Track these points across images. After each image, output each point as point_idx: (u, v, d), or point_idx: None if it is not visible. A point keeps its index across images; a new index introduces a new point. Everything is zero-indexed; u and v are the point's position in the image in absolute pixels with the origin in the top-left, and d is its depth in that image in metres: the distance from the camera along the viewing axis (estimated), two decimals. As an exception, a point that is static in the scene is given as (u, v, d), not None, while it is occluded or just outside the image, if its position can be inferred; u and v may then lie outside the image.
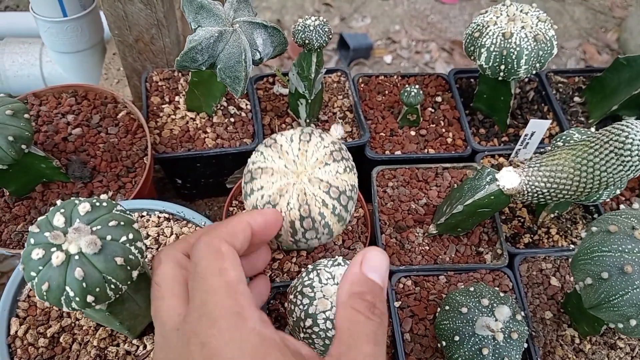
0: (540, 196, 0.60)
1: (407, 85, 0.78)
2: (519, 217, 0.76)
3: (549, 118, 0.87)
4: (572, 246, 0.74)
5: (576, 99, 0.90)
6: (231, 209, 0.74)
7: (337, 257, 0.54)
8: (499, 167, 0.81)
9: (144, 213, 0.66)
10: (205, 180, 0.85)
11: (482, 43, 0.73)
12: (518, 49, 0.70)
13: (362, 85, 0.88)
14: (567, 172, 0.58)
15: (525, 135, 0.78)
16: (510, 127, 0.86)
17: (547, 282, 0.71)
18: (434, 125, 0.83)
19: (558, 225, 0.76)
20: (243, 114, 0.81)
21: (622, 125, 0.55)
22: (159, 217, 0.66)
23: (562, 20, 2.95)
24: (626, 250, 0.50)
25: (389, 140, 0.81)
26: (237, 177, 0.86)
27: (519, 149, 0.80)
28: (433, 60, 2.75)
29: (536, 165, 0.60)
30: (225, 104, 0.82)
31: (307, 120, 0.79)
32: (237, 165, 0.82)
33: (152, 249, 0.63)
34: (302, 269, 0.53)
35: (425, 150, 0.81)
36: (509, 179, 0.59)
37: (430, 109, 0.85)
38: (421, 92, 0.78)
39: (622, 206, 0.77)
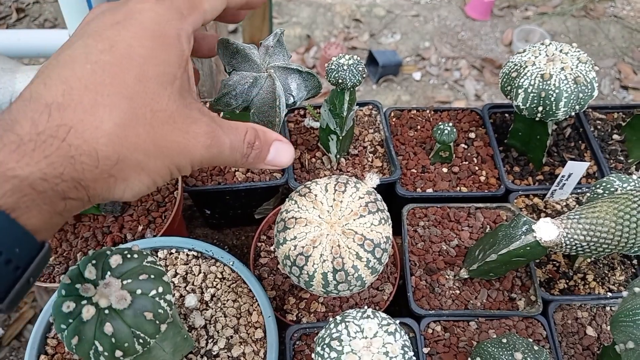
0: (580, 249, 0.58)
1: (440, 123, 0.77)
2: (554, 261, 0.74)
3: (586, 156, 0.85)
4: (609, 294, 0.71)
5: (615, 136, 0.88)
6: (259, 244, 0.74)
7: (366, 308, 0.53)
8: (533, 207, 0.79)
9: (173, 250, 0.66)
10: (234, 212, 0.85)
11: (520, 84, 0.71)
12: (557, 91, 0.69)
13: (394, 119, 0.87)
14: (608, 225, 0.56)
15: (562, 176, 0.76)
16: (546, 165, 0.83)
17: (583, 332, 0.68)
18: (466, 163, 0.81)
19: (595, 271, 0.73)
20: (273, 147, 0.81)
21: (669, 181, 0.53)
22: (187, 255, 0.66)
23: (597, 39, 2.89)
24: (671, 316, 0.48)
25: (420, 177, 0.80)
26: (266, 208, 0.85)
27: (555, 190, 0.78)
28: (463, 77, 2.73)
29: (575, 217, 0.58)
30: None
31: (338, 156, 0.78)
32: (266, 197, 0.82)
33: (179, 287, 0.63)
34: (330, 318, 0.52)
35: (458, 188, 0.79)
36: (547, 230, 0.58)
37: (463, 145, 0.83)
38: (455, 129, 0.76)
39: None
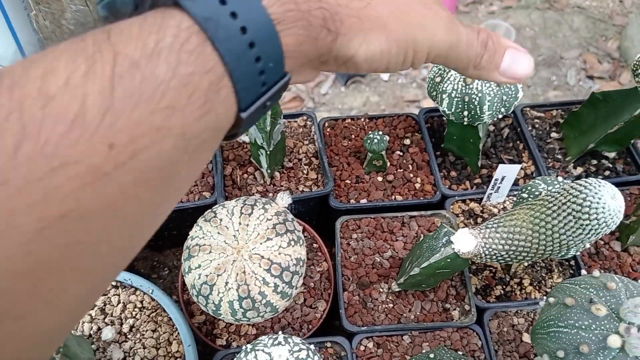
0: (500, 258, 0.57)
1: (370, 132, 0.76)
2: (491, 267, 0.73)
3: (524, 156, 0.84)
4: (544, 298, 0.70)
5: (553, 134, 0.87)
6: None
7: (279, 334, 0.51)
8: (470, 212, 0.78)
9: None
10: (169, 232, 0.83)
11: (444, 89, 0.70)
12: (480, 94, 0.67)
13: (328, 129, 0.85)
14: (525, 234, 0.55)
15: (496, 179, 0.75)
16: (484, 168, 0.82)
17: (519, 339, 0.67)
18: (401, 170, 0.80)
19: (532, 275, 0.72)
20: (203, 165, 0.79)
21: (581, 185, 0.51)
22: (107, 285, 0.63)
23: (561, 30, 2.91)
24: (583, 327, 0.47)
25: (355, 187, 0.78)
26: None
27: (491, 193, 0.77)
28: (430, 74, 2.72)
29: (494, 226, 0.57)
30: (185, 154, 0.79)
31: (269, 170, 0.77)
32: (198, 217, 0.80)
33: (97, 319, 0.61)
34: (243, 347, 0.50)
35: (393, 197, 0.78)
36: (464, 241, 0.56)
37: (398, 152, 0.82)
38: (385, 138, 0.75)
39: (598, 262, 0.74)
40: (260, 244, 0.51)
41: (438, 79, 0.71)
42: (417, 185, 0.79)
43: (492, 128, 0.87)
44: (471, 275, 0.71)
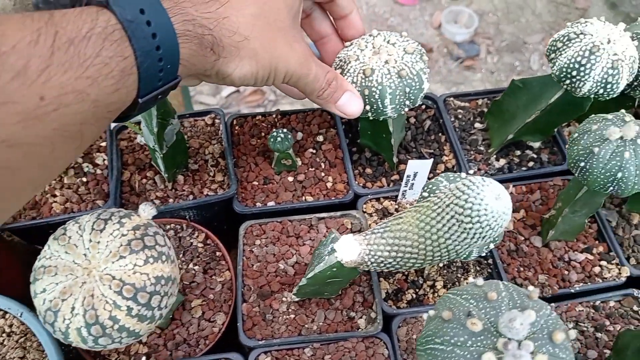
0: (388, 265, 0.53)
1: (274, 130, 0.71)
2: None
3: (445, 149, 0.80)
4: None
5: (477, 125, 0.82)
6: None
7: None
8: (384, 211, 0.73)
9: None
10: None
11: (344, 81, 0.65)
12: (380, 87, 0.62)
13: (237, 127, 0.80)
14: (411, 239, 0.50)
15: (408, 176, 0.70)
16: (403, 163, 0.78)
17: (430, 346, 0.63)
18: (313, 169, 0.75)
19: (446, 276, 0.68)
20: (98, 171, 0.74)
21: (465, 185, 0.47)
22: (-27, 309, 0.58)
23: (524, 15, 2.87)
24: (458, 344, 0.42)
25: (262, 189, 0.73)
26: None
27: (405, 190, 0.72)
28: (394, 63, 2.68)
29: (379, 232, 0.52)
30: (80, 160, 0.74)
31: (166, 175, 0.71)
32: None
33: (-39, 348, 0.56)
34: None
35: (303, 198, 0.73)
36: (347, 249, 0.52)
37: (311, 150, 0.77)
38: (290, 135, 0.70)
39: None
40: (112, 262, 0.46)
41: (339, 71, 0.66)
42: (329, 185, 0.74)
43: (413, 120, 0.83)
44: (382, 279, 0.67)
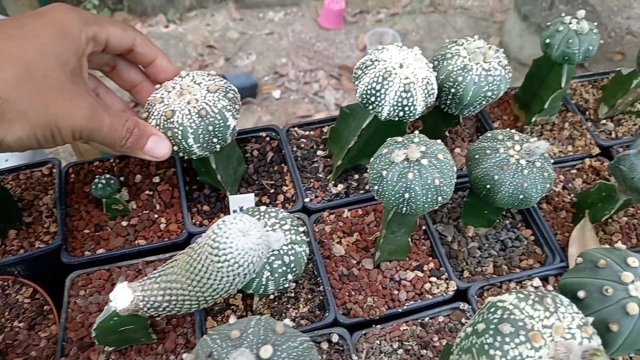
0: (165, 309, 0.52)
1: (97, 177, 0.70)
2: (233, 305, 0.68)
3: (286, 179, 0.80)
4: (288, 331, 0.66)
5: (319, 152, 0.84)
6: None
7: None
8: (218, 248, 0.73)
9: None
10: None
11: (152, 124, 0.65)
12: (182, 128, 0.63)
13: (73, 175, 0.79)
14: (180, 281, 0.50)
15: (234, 211, 0.71)
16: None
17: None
18: (147, 211, 0.75)
19: (276, 307, 0.68)
20: None
21: (217, 225, 0.47)
22: None
23: (446, 31, 2.96)
24: None
25: (92, 237, 0.73)
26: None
27: (238, 225, 0.72)
28: (322, 88, 2.72)
29: (154, 276, 0.52)
30: None
31: (-11, 232, 0.70)
32: None
33: None
34: None
35: (136, 242, 0.73)
36: (121, 297, 0.51)
37: (147, 191, 0.77)
38: (112, 181, 0.70)
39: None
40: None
41: (146, 115, 0.66)
42: (162, 226, 0.74)
43: (256, 153, 0.83)
44: (209, 317, 0.67)
